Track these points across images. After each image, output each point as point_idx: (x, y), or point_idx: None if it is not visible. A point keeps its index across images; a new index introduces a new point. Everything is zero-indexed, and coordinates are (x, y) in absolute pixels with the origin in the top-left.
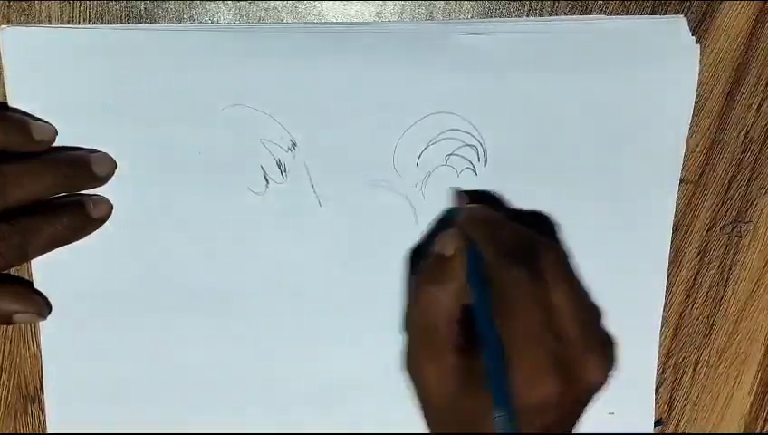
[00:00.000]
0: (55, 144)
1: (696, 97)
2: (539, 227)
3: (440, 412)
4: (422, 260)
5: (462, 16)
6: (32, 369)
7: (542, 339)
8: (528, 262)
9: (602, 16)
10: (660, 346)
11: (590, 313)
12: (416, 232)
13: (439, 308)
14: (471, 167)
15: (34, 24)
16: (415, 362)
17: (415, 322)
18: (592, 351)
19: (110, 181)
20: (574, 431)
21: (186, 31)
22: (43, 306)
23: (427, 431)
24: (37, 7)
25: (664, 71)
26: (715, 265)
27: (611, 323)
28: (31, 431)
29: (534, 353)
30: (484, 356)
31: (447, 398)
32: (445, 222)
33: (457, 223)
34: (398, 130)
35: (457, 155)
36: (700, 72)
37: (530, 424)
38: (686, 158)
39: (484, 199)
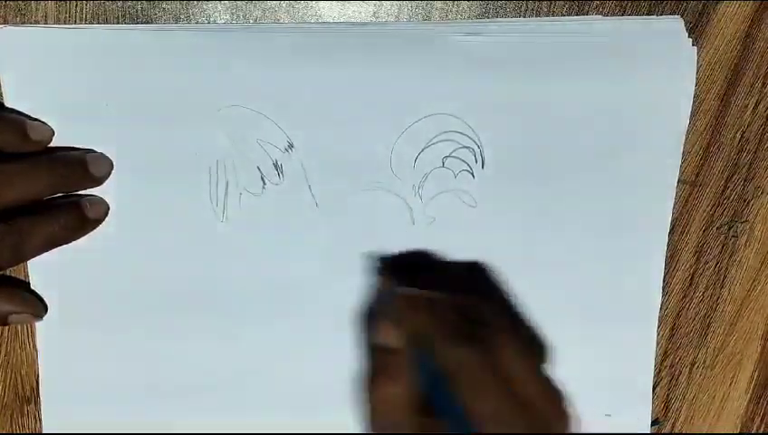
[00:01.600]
0: (52, 144)
1: (693, 98)
2: (474, 279)
3: None
4: (368, 348)
5: (459, 17)
6: (28, 370)
7: (505, 414)
8: (475, 334)
9: (599, 17)
10: (657, 346)
11: (547, 377)
12: (412, 234)
13: (397, 405)
14: (468, 169)
15: (30, 23)
16: None
17: (372, 416)
18: (556, 402)
19: (106, 182)
20: None
21: (182, 31)
22: (39, 307)
23: None
24: (33, 7)
25: (661, 71)
26: (711, 265)
27: (609, 324)
28: (27, 432)
29: (507, 429)
30: None
31: None
32: (381, 302)
33: (394, 310)
34: (396, 131)
35: (455, 157)
36: (696, 73)
37: None
38: (683, 158)
39: (412, 264)
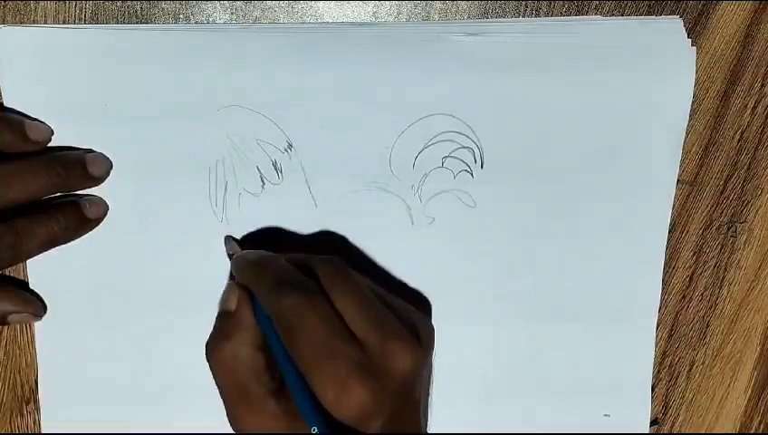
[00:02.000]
0: (51, 144)
1: (692, 98)
2: (327, 247)
3: None
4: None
5: (459, 17)
6: (27, 369)
7: (332, 351)
8: (299, 283)
9: (598, 17)
10: (656, 346)
11: (383, 307)
12: (412, 234)
13: (240, 363)
14: (467, 169)
15: (30, 23)
16: (238, 420)
17: (222, 380)
18: (392, 340)
19: (105, 182)
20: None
21: (181, 31)
22: (38, 307)
23: None
24: (32, 7)
25: (660, 72)
26: (710, 266)
27: (608, 324)
28: (26, 432)
29: (329, 367)
30: (292, 395)
31: None
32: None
33: (233, 272)
34: (395, 131)
35: (454, 157)
36: (696, 73)
37: None
38: (682, 158)
39: (261, 238)
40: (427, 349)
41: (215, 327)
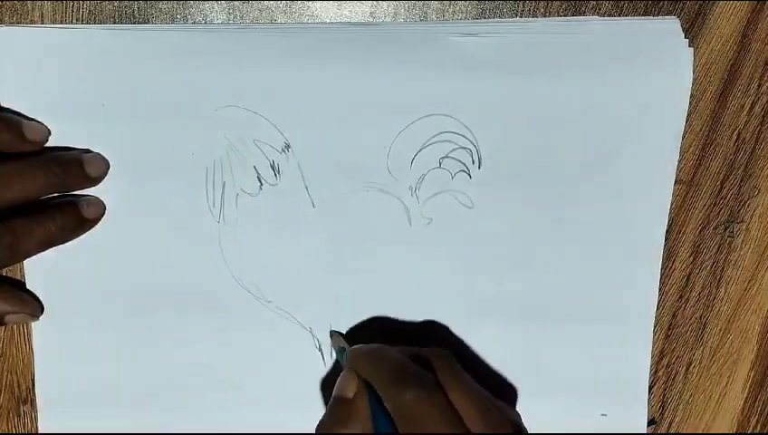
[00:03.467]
0: (48, 144)
1: (689, 98)
2: (430, 336)
3: None
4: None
5: (456, 17)
6: (24, 370)
7: None
8: (421, 379)
9: (595, 17)
10: (653, 346)
11: (493, 406)
12: (409, 234)
13: None
14: (465, 169)
15: (27, 23)
16: None
17: None
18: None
19: (103, 182)
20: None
21: (179, 31)
22: (35, 307)
23: None
24: (29, 7)
25: (658, 72)
26: (707, 265)
27: (605, 323)
28: (23, 432)
29: None
30: None
31: None
32: (339, 365)
33: (347, 363)
34: (392, 132)
35: (452, 157)
36: (693, 73)
37: None
38: (679, 158)
39: (367, 330)
40: None
41: (329, 411)
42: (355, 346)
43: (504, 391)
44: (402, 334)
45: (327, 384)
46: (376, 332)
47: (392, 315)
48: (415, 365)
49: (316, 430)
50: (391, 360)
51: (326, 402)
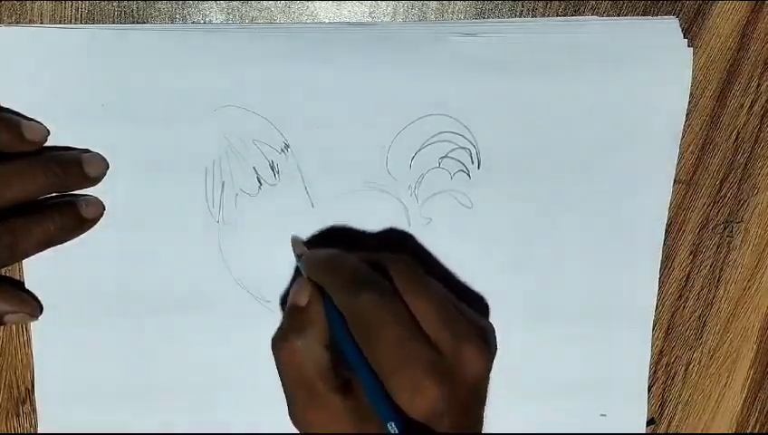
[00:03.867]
0: (47, 144)
1: (688, 98)
2: (394, 245)
3: None
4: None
5: (455, 17)
6: (23, 370)
7: (408, 351)
8: (375, 283)
9: (594, 17)
10: (652, 346)
11: (454, 309)
12: (408, 234)
13: (308, 358)
14: (464, 169)
15: (26, 23)
16: (302, 416)
17: (288, 376)
18: (464, 343)
19: (102, 182)
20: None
21: (178, 31)
22: (34, 307)
23: None
24: (28, 7)
25: (657, 72)
26: (707, 265)
27: (604, 323)
28: (22, 432)
29: (405, 366)
30: (365, 392)
31: None
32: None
33: (304, 271)
34: (392, 131)
35: (451, 157)
36: (692, 73)
37: None
38: (678, 158)
39: (328, 237)
40: (494, 352)
41: (283, 322)
42: (311, 251)
43: (471, 303)
44: (363, 242)
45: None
46: (336, 240)
47: None
48: (370, 270)
49: (272, 340)
50: (346, 264)
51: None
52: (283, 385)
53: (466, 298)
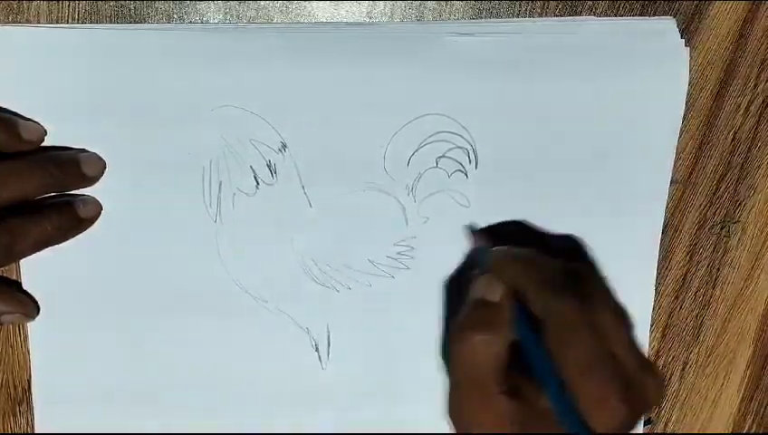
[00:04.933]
0: (44, 144)
1: (685, 98)
2: (569, 251)
3: None
4: (461, 302)
5: (452, 17)
6: (20, 370)
7: (603, 364)
8: (576, 290)
9: (592, 18)
10: (649, 346)
11: (633, 334)
12: (406, 234)
13: (488, 356)
14: (462, 169)
15: (23, 23)
16: (468, 411)
17: (462, 370)
18: (647, 371)
19: (99, 182)
20: None
21: (175, 31)
22: (31, 307)
23: None
24: (25, 6)
25: (654, 72)
26: (703, 265)
27: None
28: (19, 432)
29: (599, 380)
30: (549, 397)
31: None
32: (476, 263)
33: (492, 266)
34: (389, 131)
35: (448, 157)
36: (689, 73)
37: None
38: (676, 158)
39: (505, 232)
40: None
41: (469, 314)
42: (500, 247)
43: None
44: (541, 243)
45: (453, 284)
46: (514, 236)
47: (388, 316)
48: (568, 276)
49: (451, 329)
50: (547, 266)
51: (448, 302)
52: (451, 377)
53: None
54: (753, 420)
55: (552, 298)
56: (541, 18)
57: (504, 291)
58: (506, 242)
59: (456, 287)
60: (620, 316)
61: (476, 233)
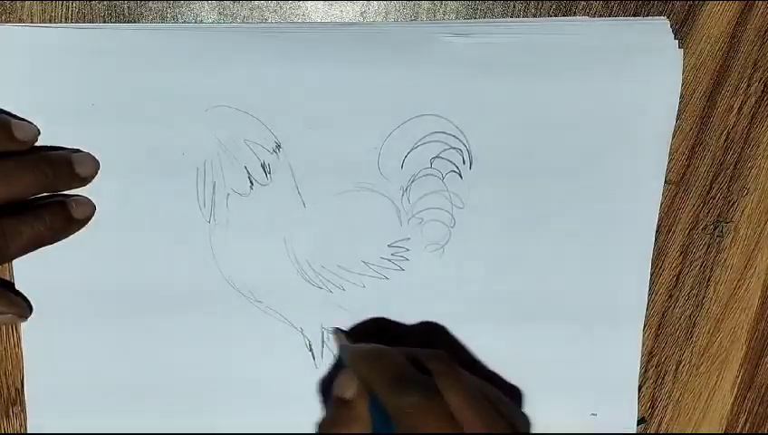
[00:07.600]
0: (38, 144)
1: (679, 98)
2: (429, 337)
3: None
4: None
5: (447, 17)
6: (13, 371)
7: None
8: (419, 382)
9: (585, 18)
10: (643, 345)
11: (490, 405)
12: (400, 235)
13: None
14: (456, 169)
15: (16, 22)
16: None
17: None
18: None
19: (92, 182)
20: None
21: (169, 30)
22: (24, 307)
23: None
24: (19, 6)
25: (647, 72)
26: (697, 265)
27: (595, 323)
28: (12, 433)
29: None
30: None
31: None
32: (340, 362)
33: (348, 364)
34: (383, 132)
35: (442, 158)
36: (682, 74)
37: None
38: (669, 159)
39: (367, 330)
40: None
41: (329, 412)
42: (353, 345)
43: (505, 393)
44: (400, 335)
45: (326, 383)
46: (374, 332)
47: (384, 315)
48: (412, 368)
49: (317, 430)
50: (391, 362)
51: (323, 401)
52: None
53: (500, 387)
54: (747, 419)
55: (396, 394)
56: (535, 18)
57: (357, 388)
58: (370, 339)
59: (328, 387)
60: (470, 398)
61: (337, 332)
